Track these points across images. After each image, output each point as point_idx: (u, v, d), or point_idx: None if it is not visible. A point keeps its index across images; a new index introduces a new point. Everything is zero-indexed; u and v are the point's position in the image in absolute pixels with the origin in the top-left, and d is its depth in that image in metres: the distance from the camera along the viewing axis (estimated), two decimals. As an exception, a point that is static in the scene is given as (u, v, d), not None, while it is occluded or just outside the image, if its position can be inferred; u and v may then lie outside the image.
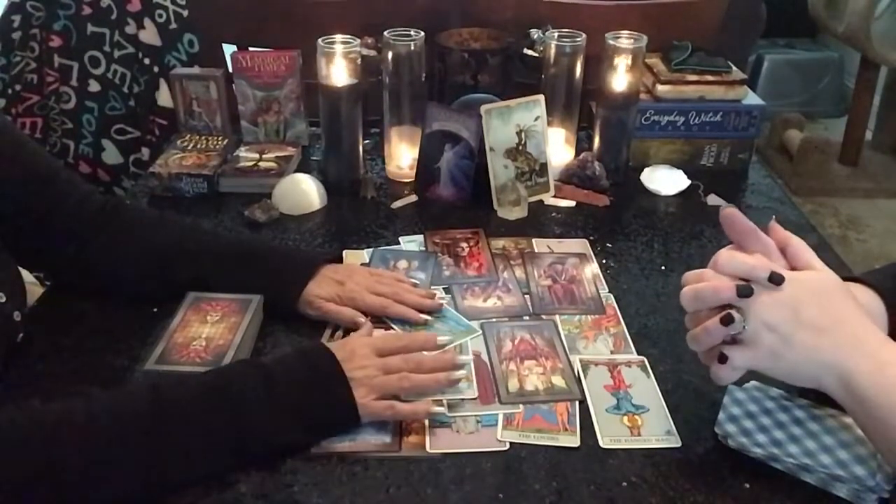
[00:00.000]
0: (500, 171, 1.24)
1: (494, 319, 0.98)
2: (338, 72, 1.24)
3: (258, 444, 0.75)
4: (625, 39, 1.28)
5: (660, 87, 1.38)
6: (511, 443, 0.79)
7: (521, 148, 1.24)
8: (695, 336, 0.72)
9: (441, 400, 0.83)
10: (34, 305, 1.00)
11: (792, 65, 3.84)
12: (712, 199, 1.29)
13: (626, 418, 0.82)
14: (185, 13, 1.74)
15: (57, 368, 0.89)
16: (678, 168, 1.35)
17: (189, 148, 1.35)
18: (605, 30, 1.29)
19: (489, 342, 0.93)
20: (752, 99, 1.40)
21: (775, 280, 0.69)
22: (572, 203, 1.28)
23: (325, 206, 1.26)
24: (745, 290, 0.69)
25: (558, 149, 1.36)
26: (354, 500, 0.72)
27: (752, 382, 0.81)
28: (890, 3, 3.04)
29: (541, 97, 1.25)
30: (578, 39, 1.30)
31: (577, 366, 0.89)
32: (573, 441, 0.79)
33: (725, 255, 0.72)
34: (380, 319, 0.96)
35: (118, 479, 0.70)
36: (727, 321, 0.69)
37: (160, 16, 1.75)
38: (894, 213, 3.06)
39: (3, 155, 0.94)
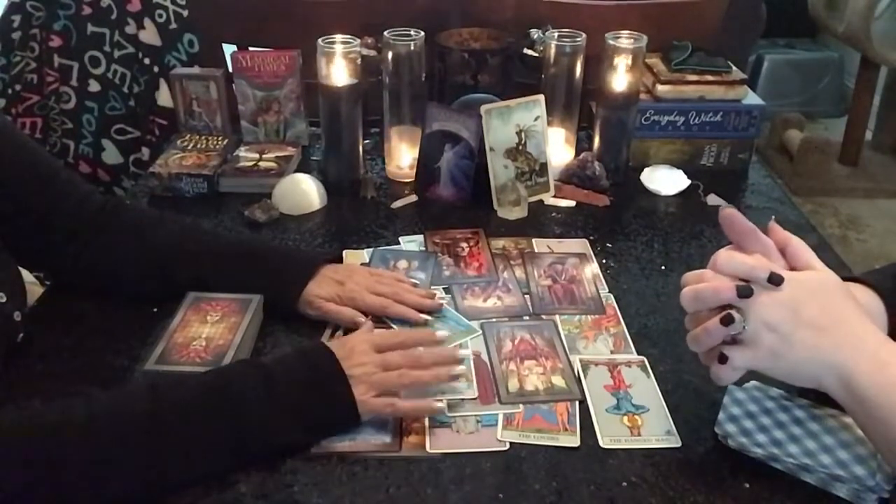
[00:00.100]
0: (500, 171, 1.24)
1: (494, 319, 0.98)
2: (338, 72, 1.24)
3: (258, 443, 0.75)
4: (625, 39, 1.28)
5: (660, 87, 1.38)
6: (511, 443, 0.79)
7: (521, 148, 1.24)
8: (695, 336, 0.72)
9: (441, 399, 0.83)
10: (34, 305, 1.00)
11: (792, 65, 3.84)
12: (712, 199, 1.29)
13: (626, 418, 0.82)
14: (185, 13, 1.74)
15: (57, 368, 0.89)
16: (678, 168, 1.35)
17: (189, 148, 1.35)
18: (605, 30, 1.29)
19: (489, 342, 0.93)
20: (752, 99, 1.40)
21: (775, 280, 0.69)
22: (572, 203, 1.28)
23: (325, 206, 1.26)
24: (744, 291, 0.69)
25: (558, 149, 1.36)
26: (354, 500, 0.72)
27: (752, 382, 0.81)
28: (890, 3, 3.04)
29: (541, 97, 1.25)
30: (578, 39, 1.30)
31: (577, 366, 0.89)
32: (573, 441, 0.79)
33: (725, 256, 0.72)
34: (380, 319, 0.96)
35: (118, 479, 0.70)
36: (727, 321, 0.69)
37: (160, 16, 1.75)
38: (894, 213, 3.06)
39: (3, 155, 0.94)
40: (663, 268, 1.11)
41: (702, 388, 0.85)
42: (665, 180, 1.32)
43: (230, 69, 1.42)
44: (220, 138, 1.39)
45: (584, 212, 1.26)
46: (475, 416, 0.82)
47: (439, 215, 1.23)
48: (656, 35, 1.34)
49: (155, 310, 0.97)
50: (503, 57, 1.41)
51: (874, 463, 0.71)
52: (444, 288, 1.04)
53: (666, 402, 0.84)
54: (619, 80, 1.29)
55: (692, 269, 0.75)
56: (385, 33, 1.27)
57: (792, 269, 0.73)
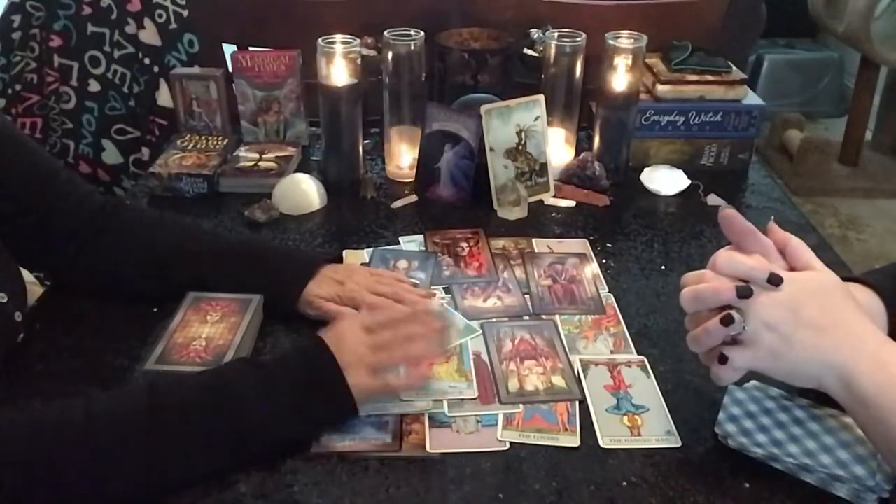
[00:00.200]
0: (500, 171, 1.24)
1: (494, 319, 0.98)
2: (338, 72, 1.24)
3: (258, 442, 0.75)
4: (625, 39, 1.28)
5: (660, 87, 1.38)
6: (511, 443, 0.79)
7: (521, 148, 1.24)
8: (695, 337, 0.72)
9: (441, 399, 0.83)
10: (34, 305, 1.00)
11: (792, 65, 3.84)
12: (712, 199, 1.29)
13: (626, 418, 0.82)
14: (185, 13, 1.75)
15: (57, 368, 0.89)
16: (678, 168, 1.35)
17: (189, 148, 1.35)
18: (605, 30, 1.29)
19: (489, 342, 0.93)
20: (752, 99, 1.40)
21: (774, 281, 0.69)
22: (572, 203, 1.28)
23: (325, 206, 1.26)
24: (744, 291, 0.69)
25: (558, 149, 1.36)
26: (354, 500, 0.72)
27: (752, 382, 0.81)
28: (890, 3, 3.04)
29: (541, 97, 1.25)
30: (578, 39, 1.30)
31: (577, 366, 0.89)
32: (573, 441, 0.79)
33: (724, 257, 0.72)
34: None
35: (118, 479, 0.70)
36: (727, 322, 0.69)
37: (160, 16, 1.75)
38: (894, 213, 3.06)
39: (3, 155, 0.94)
40: (663, 268, 1.11)
41: (702, 388, 0.85)
42: (665, 180, 1.32)
43: (230, 69, 1.42)
44: (220, 138, 1.39)
45: (584, 212, 1.26)
46: (475, 416, 0.82)
47: (439, 215, 1.23)
48: (656, 35, 1.34)
49: (155, 310, 0.97)
50: (503, 57, 1.41)
51: (874, 463, 0.71)
52: (444, 288, 1.04)
53: (666, 402, 0.84)
54: (619, 80, 1.29)
55: (692, 269, 0.75)
56: (385, 33, 1.27)
57: (791, 269, 0.73)
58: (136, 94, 1.80)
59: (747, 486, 0.74)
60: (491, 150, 1.23)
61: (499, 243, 1.15)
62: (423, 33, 1.27)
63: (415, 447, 0.78)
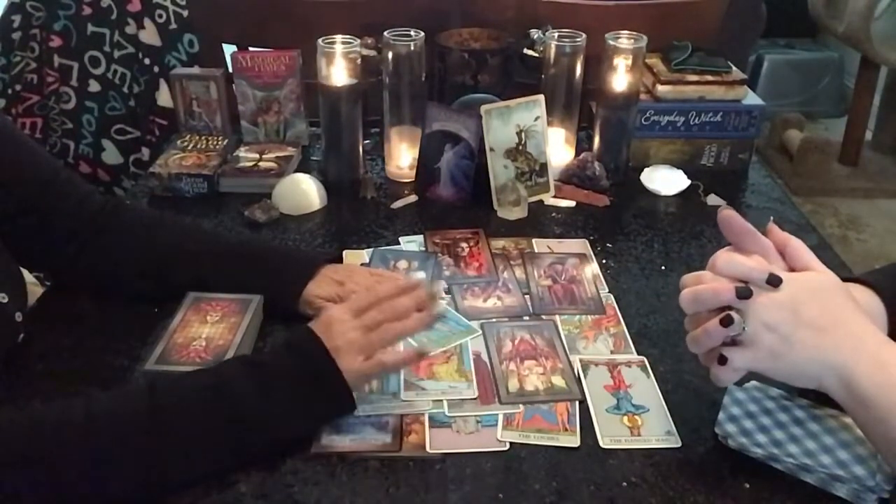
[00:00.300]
0: (500, 171, 1.24)
1: (494, 319, 0.98)
2: (338, 72, 1.24)
3: (257, 440, 0.75)
4: (625, 39, 1.28)
5: (660, 87, 1.38)
6: (511, 443, 0.79)
7: (521, 148, 1.24)
8: (694, 338, 0.72)
9: (441, 399, 0.83)
10: (34, 305, 1.00)
11: (792, 65, 3.84)
12: (712, 199, 1.29)
13: (626, 418, 0.82)
14: (185, 13, 1.75)
15: (57, 368, 0.89)
16: (678, 168, 1.35)
17: (189, 148, 1.35)
18: (605, 30, 1.29)
19: (489, 342, 0.93)
20: (752, 99, 1.40)
21: (773, 282, 0.69)
22: (572, 203, 1.28)
23: (325, 206, 1.26)
24: (744, 292, 0.69)
25: (558, 149, 1.36)
26: (354, 500, 0.72)
27: (752, 382, 0.81)
28: (890, 3, 3.04)
29: (541, 97, 1.25)
30: (578, 39, 1.30)
31: (577, 366, 0.90)
32: (573, 441, 0.79)
33: (724, 258, 0.72)
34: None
35: (118, 479, 0.70)
36: (727, 322, 0.69)
37: (160, 16, 1.75)
38: (894, 213, 3.06)
39: (3, 155, 0.94)
40: (663, 268, 1.11)
41: (702, 388, 0.85)
42: (665, 180, 1.32)
43: (230, 69, 1.42)
44: (220, 138, 1.39)
45: (584, 212, 1.26)
46: (475, 416, 0.82)
47: (439, 215, 1.23)
48: (656, 35, 1.34)
49: (155, 310, 0.97)
50: (503, 57, 1.41)
51: (874, 463, 0.71)
52: (444, 288, 1.04)
53: (666, 402, 0.84)
54: (619, 80, 1.29)
55: (692, 270, 0.75)
56: (385, 33, 1.27)
57: (791, 269, 0.73)
58: (136, 95, 1.80)
59: (747, 486, 0.74)
60: (491, 150, 1.23)
61: (499, 243, 1.15)
62: (423, 33, 1.27)
63: (415, 447, 0.78)
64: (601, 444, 0.79)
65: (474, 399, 0.84)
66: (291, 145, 1.40)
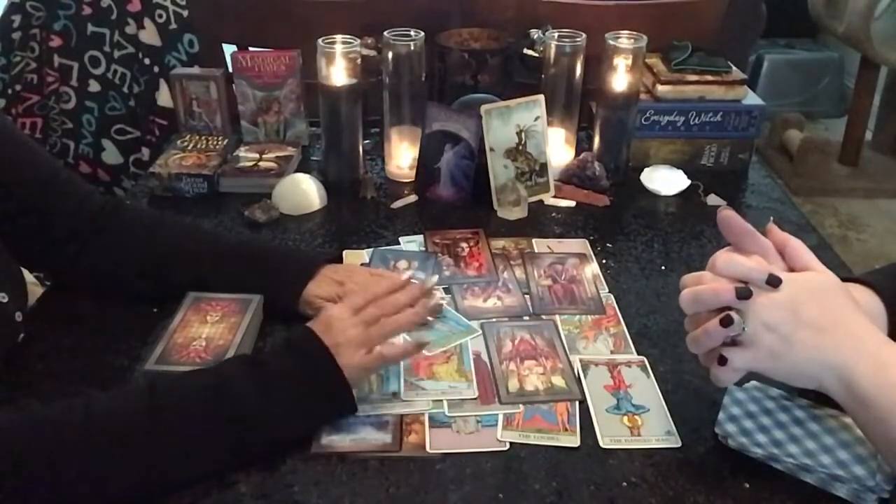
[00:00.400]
0: (500, 171, 1.24)
1: (494, 319, 0.98)
2: (338, 72, 1.24)
3: (257, 440, 0.75)
4: (625, 39, 1.28)
5: (660, 87, 1.38)
6: (511, 443, 0.79)
7: (521, 148, 1.24)
8: (694, 338, 0.72)
9: (441, 399, 0.83)
10: (34, 305, 1.00)
11: (792, 65, 3.84)
12: (712, 199, 1.29)
13: (626, 418, 0.82)
14: (185, 13, 1.75)
15: (57, 368, 0.89)
16: (678, 168, 1.35)
17: (189, 148, 1.35)
18: (605, 30, 1.29)
19: (489, 342, 0.93)
20: (752, 99, 1.40)
21: (773, 282, 0.69)
22: (572, 203, 1.28)
23: (325, 206, 1.26)
24: (744, 293, 0.69)
25: (558, 149, 1.36)
26: (354, 500, 0.72)
27: (752, 382, 0.81)
28: (890, 3, 3.04)
29: (541, 97, 1.25)
30: (578, 39, 1.30)
31: (577, 366, 0.90)
32: (573, 441, 0.79)
33: (723, 258, 0.72)
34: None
35: (118, 479, 0.70)
36: (726, 323, 0.69)
37: (160, 16, 1.75)
38: (894, 213, 3.06)
39: (3, 155, 0.94)
40: (663, 268, 1.11)
41: (702, 388, 0.85)
42: (665, 180, 1.32)
43: (230, 69, 1.42)
44: (220, 138, 1.39)
45: (584, 212, 1.26)
46: (475, 416, 0.82)
47: (439, 215, 1.23)
48: (656, 35, 1.34)
49: (155, 310, 0.97)
50: (503, 57, 1.41)
51: (874, 463, 0.71)
52: (444, 288, 1.04)
53: (666, 403, 0.84)
54: (619, 80, 1.29)
55: (692, 270, 0.75)
56: (385, 33, 1.27)
57: (791, 269, 0.73)
58: (136, 95, 1.80)
59: (747, 486, 0.74)
60: (491, 150, 1.23)
61: (499, 243, 1.15)
62: (423, 33, 1.27)
63: (415, 447, 0.78)
64: (601, 444, 0.79)
65: (474, 399, 0.84)
66: (291, 145, 1.40)
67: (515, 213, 1.23)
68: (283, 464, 0.75)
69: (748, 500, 0.73)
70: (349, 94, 1.26)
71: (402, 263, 1.10)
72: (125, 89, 1.80)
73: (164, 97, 1.77)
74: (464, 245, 1.14)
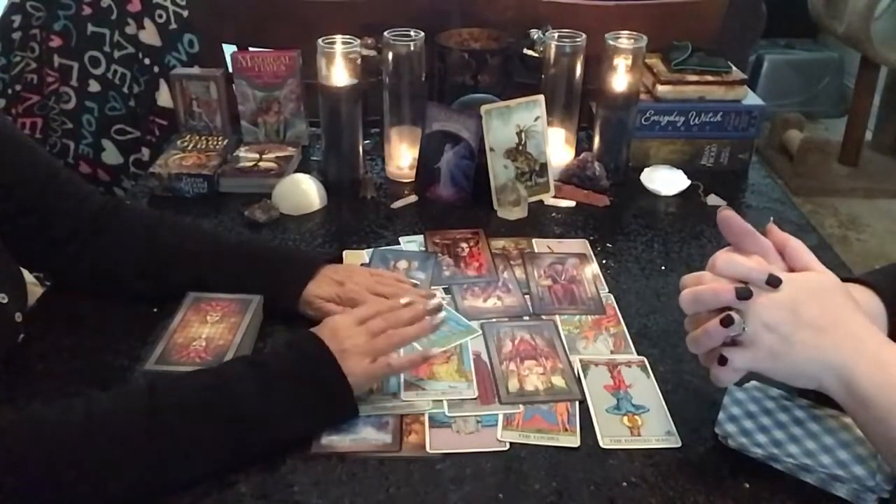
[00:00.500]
0: (500, 171, 1.24)
1: (494, 319, 0.98)
2: (338, 72, 1.24)
3: (258, 441, 0.75)
4: (625, 39, 1.28)
5: (660, 88, 1.38)
6: (511, 443, 0.79)
7: (521, 148, 1.24)
8: (694, 338, 0.72)
9: (441, 399, 0.83)
10: (34, 305, 1.00)
11: (792, 65, 3.84)
12: (712, 200, 1.29)
13: (626, 418, 0.82)
14: (185, 13, 1.75)
15: (57, 368, 0.89)
16: (678, 168, 1.35)
17: (189, 148, 1.35)
18: (605, 30, 1.29)
19: (489, 342, 0.93)
20: (752, 99, 1.40)
21: (773, 282, 0.69)
22: (572, 203, 1.28)
23: (325, 206, 1.26)
24: (744, 293, 0.69)
25: (558, 149, 1.36)
26: (354, 500, 0.72)
27: (752, 382, 0.81)
28: (890, 4, 3.04)
29: (541, 97, 1.25)
30: (578, 39, 1.30)
31: (577, 366, 0.90)
32: (573, 441, 0.79)
33: (723, 258, 0.72)
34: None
35: (118, 479, 0.70)
36: (727, 323, 0.69)
37: (160, 16, 1.75)
38: (894, 213, 3.06)
39: (3, 155, 0.94)
40: (663, 268, 1.11)
41: (702, 388, 0.85)
42: (665, 180, 1.32)
43: (230, 69, 1.42)
44: (220, 138, 1.39)
45: (584, 212, 1.26)
46: (475, 416, 0.82)
47: (439, 215, 1.23)
48: (656, 35, 1.34)
49: (155, 310, 0.97)
50: (503, 57, 1.41)
51: (874, 463, 0.71)
52: (444, 288, 1.04)
53: (666, 403, 0.84)
54: (619, 80, 1.29)
55: (692, 270, 0.75)
56: (385, 33, 1.27)
57: (791, 270, 0.73)
58: (136, 95, 1.80)
59: (747, 486, 0.74)
60: (491, 150, 1.23)
61: (499, 243, 1.15)
62: (423, 33, 1.27)
63: (415, 447, 0.78)
64: (601, 444, 0.79)
65: (474, 399, 0.84)
66: (291, 145, 1.40)
67: (515, 214, 1.23)
68: (283, 464, 0.75)
69: (748, 500, 0.73)
70: (349, 95, 1.26)
71: (402, 263, 1.10)
72: (125, 89, 1.80)
73: (164, 97, 1.77)
74: (464, 245, 1.14)
